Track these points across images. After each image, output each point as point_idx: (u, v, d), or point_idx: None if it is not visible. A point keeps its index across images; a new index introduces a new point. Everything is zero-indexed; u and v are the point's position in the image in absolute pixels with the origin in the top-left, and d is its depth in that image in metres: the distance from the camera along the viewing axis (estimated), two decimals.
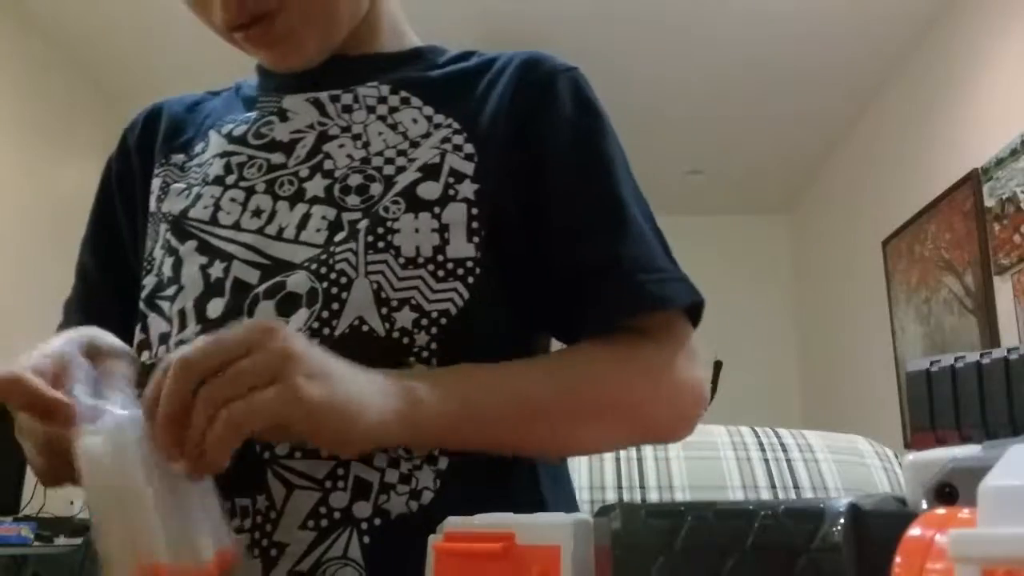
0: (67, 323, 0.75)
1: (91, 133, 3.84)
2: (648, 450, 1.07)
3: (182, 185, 0.72)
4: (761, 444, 1.08)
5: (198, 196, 0.70)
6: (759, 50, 3.52)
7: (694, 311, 0.69)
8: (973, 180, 2.95)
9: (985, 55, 2.94)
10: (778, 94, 3.87)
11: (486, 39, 3.44)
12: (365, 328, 0.61)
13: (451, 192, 0.66)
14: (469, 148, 0.68)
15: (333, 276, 0.63)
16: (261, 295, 0.63)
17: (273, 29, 0.68)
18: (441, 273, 0.64)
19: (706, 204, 5.11)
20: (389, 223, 0.64)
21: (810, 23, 3.32)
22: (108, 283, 0.77)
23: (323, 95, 0.73)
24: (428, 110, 0.71)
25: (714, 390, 3.90)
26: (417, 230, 0.64)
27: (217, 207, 0.69)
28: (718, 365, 3.96)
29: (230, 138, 0.73)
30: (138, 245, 0.75)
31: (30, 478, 2.46)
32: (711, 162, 4.60)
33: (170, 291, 0.67)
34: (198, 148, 0.75)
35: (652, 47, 3.55)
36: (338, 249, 0.64)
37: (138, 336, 0.68)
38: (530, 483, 0.68)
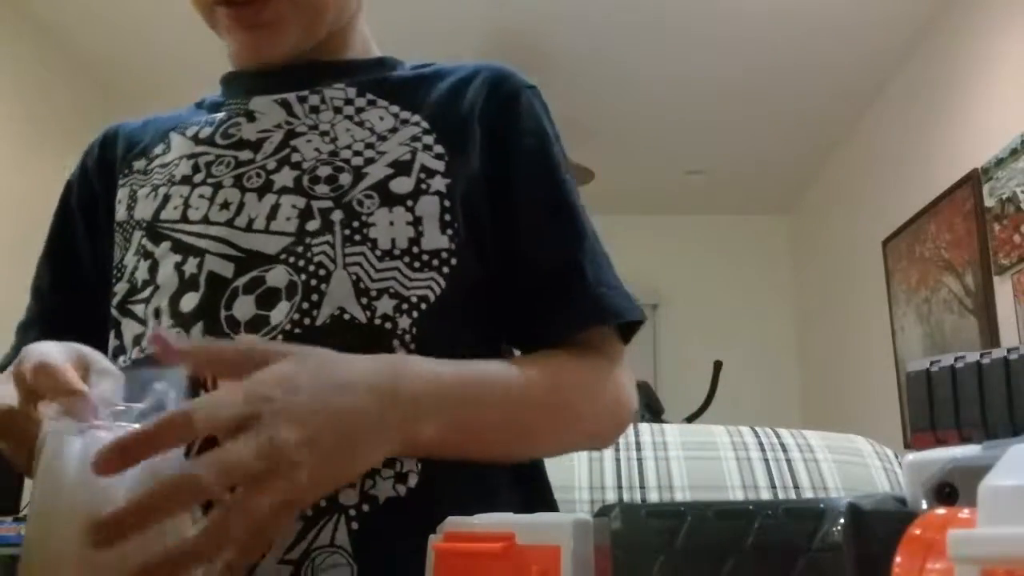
0: (23, 344, 0.74)
1: (92, 134, 3.84)
2: (648, 450, 1.07)
3: (147, 188, 0.73)
4: (761, 444, 1.08)
5: (166, 197, 0.71)
6: (759, 50, 3.52)
7: (632, 327, 0.72)
8: (973, 180, 2.95)
9: (985, 55, 2.94)
10: (778, 94, 3.87)
11: (487, 39, 3.44)
12: (346, 317, 0.63)
13: (423, 186, 0.68)
14: (439, 148, 0.70)
15: (312, 268, 0.64)
16: (240, 289, 0.64)
17: (264, 12, 0.69)
18: (417, 264, 0.66)
19: (706, 204, 5.11)
20: (364, 217, 0.66)
21: (810, 23, 3.32)
22: (66, 303, 0.78)
23: (291, 96, 0.73)
24: (394, 108, 0.73)
25: (714, 390, 3.90)
26: (392, 223, 0.66)
27: (187, 205, 0.69)
28: (718, 365, 3.96)
29: (196, 140, 0.74)
30: (102, 266, 0.75)
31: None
32: (711, 162, 4.60)
33: (145, 293, 0.68)
34: (158, 150, 0.76)
35: (652, 47, 3.55)
36: (314, 241, 0.65)
37: (112, 342, 0.69)
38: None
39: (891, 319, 3.67)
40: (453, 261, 0.67)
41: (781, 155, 4.51)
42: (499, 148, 0.72)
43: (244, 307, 0.63)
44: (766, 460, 1.05)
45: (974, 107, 3.00)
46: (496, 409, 0.61)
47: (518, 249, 0.70)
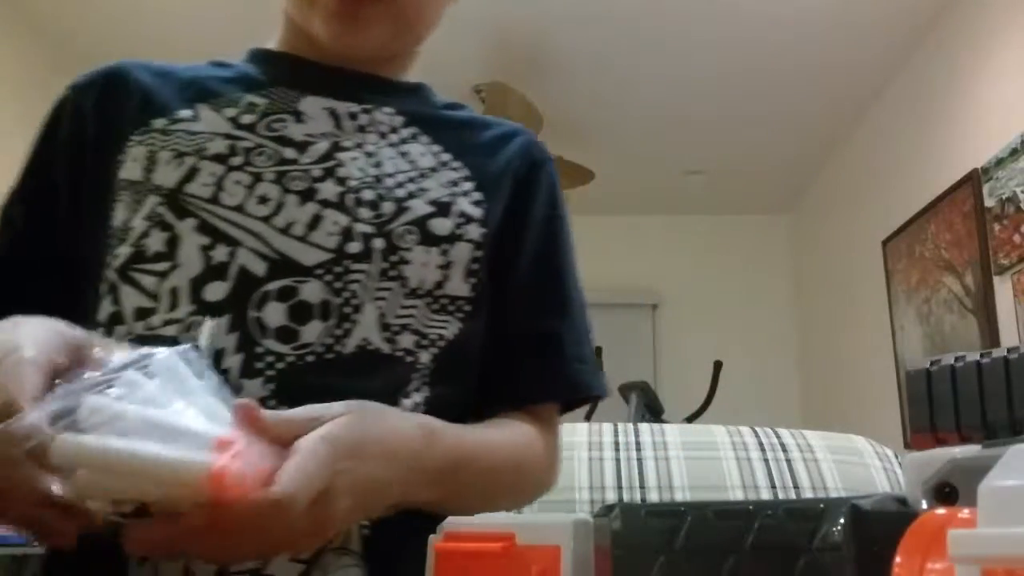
0: None
1: None
2: (648, 450, 1.07)
3: (169, 153, 0.68)
4: (761, 444, 1.08)
5: (194, 169, 0.67)
6: (759, 50, 3.52)
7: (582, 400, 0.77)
8: (973, 180, 2.95)
9: (985, 55, 2.94)
10: (778, 94, 3.86)
11: (487, 38, 3.44)
12: (371, 347, 0.64)
13: (460, 231, 0.70)
14: (477, 196, 0.73)
15: (347, 295, 0.64)
16: (272, 295, 0.63)
17: (368, 7, 0.70)
18: (436, 307, 0.68)
19: (706, 204, 5.11)
20: (402, 252, 0.67)
21: (810, 23, 3.32)
22: (37, 237, 0.72)
23: (341, 108, 0.73)
24: (436, 147, 0.75)
25: (714, 390, 3.90)
26: (425, 264, 0.68)
27: (219, 186, 0.66)
28: (718, 365, 3.96)
29: (236, 123, 0.70)
30: (82, 210, 0.70)
31: None
32: (711, 162, 4.60)
33: (159, 266, 0.64)
34: (183, 114, 0.70)
35: (652, 47, 3.55)
36: (353, 266, 0.65)
37: (108, 308, 0.65)
38: None
39: (891, 319, 3.67)
40: (468, 308, 0.70)
41: (781, 155, 4.51)
42: (518, 212, 0.76)
43: (275, 314, 0.62)
44: (766, 460, 1.05)
45: (974, 107, 3.00)
46: (481, 483, 0.66)
47: (507, 309, 0.74)
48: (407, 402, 0.65)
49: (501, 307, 0.73)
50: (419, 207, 0.69)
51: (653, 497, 1.00)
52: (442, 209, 0.70)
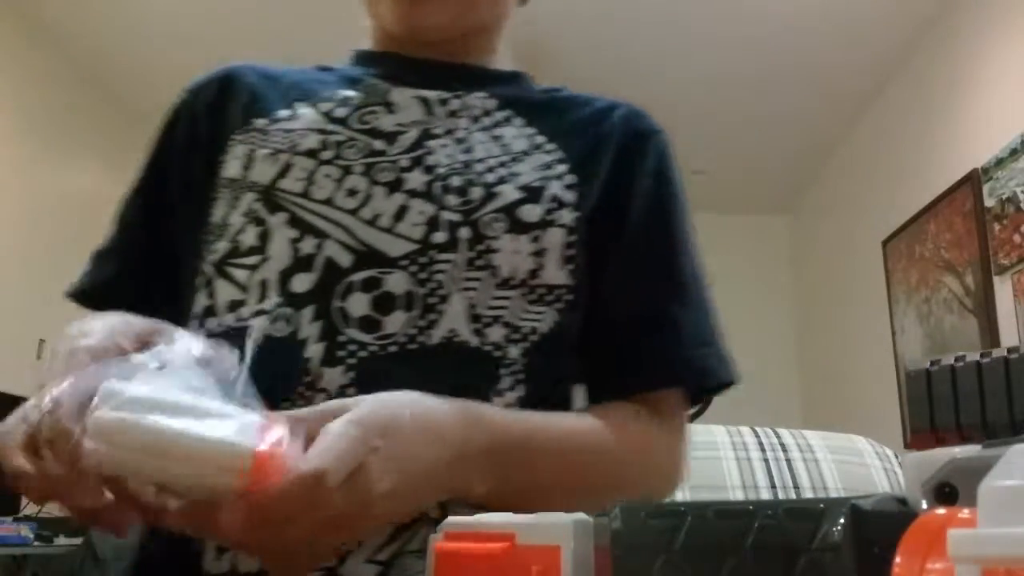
0: (98, 273, 0.75)
1: (92, 136, 3.84)
2: None
3: (267, 150, 0.69)
4: (761, 444, 1.08)
5: (287, 165, 0.68)
6: (760, 50, 3.52)
7: (719, 387, 0.72)
8: (973, 180, 2.95)
9: (985, 55, 2.94)
10: (778, 94, 3.86)
11: None
12: (458, 339, 0.63)
13: (551, 217, 0.67)
14: (571, 179, 0.70)
15: (432, 285, 0.63)
16: (357, 285, 0.63)
17: None
18: (533, 297, 0.66)
19: (706, 204, 5.10)
20: (489, 241, 0.65)
21: (810, 23, 3.32)
22: (148, 240, 0.75)
23: (431, 95, 0.72)
24: (529, 130, 0.72)
25: None
26: (516, 252, 0.65)
27: (310, 181, 0.67)
28: None
29: (330, 118, 0.71)
30: (188, 209, 0.73)
31: None
32: (712, 161, 4.60)
33: (251, 260, 0.65)
34: (282, 114, 0.72)
35: (653, 47, 3.55)
36: (439, 256, 0.64)
37: (204, 301, 0.67)
38: None
39: (891, 319, 3.67)
40: (569, 297, 0.67)
41: (781, 155, 4.51)
42: (621, 186, 0.72)
43: (358, 304, 0.62)
44: (766, 460, 1.05)
45: (974, 107, 3.00)
46: (550, 474, 0.62)
47: (615, 291, 0.70)
48: (499, 400, 0.63)
49: (607, 291, 0.70)
50: (509, 193, 0.67)
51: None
52: (533, 194, 0.67)
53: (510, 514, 0.39)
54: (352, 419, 0.49)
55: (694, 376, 0.70)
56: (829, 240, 4.62)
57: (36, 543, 2.62)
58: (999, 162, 2.79)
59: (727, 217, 5.25)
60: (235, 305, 0.65)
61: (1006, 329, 2.77)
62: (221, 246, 0.68)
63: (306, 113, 0.72)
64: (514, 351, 0.64)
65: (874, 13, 3.23)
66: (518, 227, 0.66)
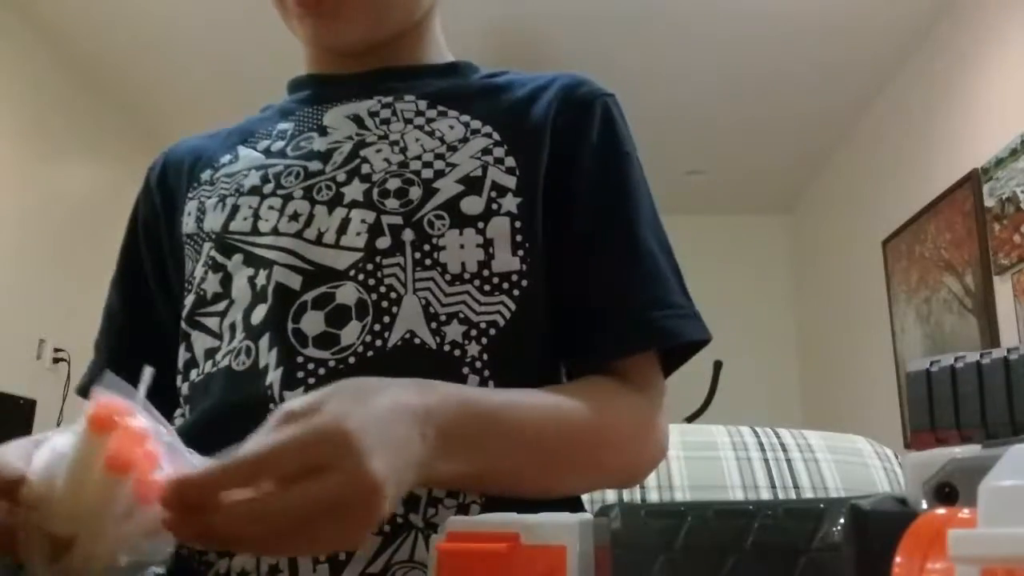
0: (93, 366, 0.77)
1: (91, 136, 3.84)
2: None
3: (214, 199, 0.71)
4: (761, 444, 1.08)
5: (235, 208, 0.69)
6: (760, 50, 3.52)
7: (692, 348, 0.69)
8: (973, 180, 2.95)
9: (985, 55, 2.94)
10: (778, 94, 3.86)
11: (486, 37, 3.43)
12: (416, 341, 0.61)
13: (494, 206, 0.66)
14: (511, 161, 0.68)
15: (383, 290, 0.63)
16: (309, 304, 0.63)
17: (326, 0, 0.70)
18: (487, 287, 0.64)
19: (706, 204, 5.11)
20: (435, 239, 0.64)
21: (810, 23, 3.32)
22: (133, 320, 0.78)
23: (363, 110, 0.72)
24: (464, 117, 0.71)
25: (714, 390, 3.89)
26: (462, 246, 0.64)
27: (256, 217, 0.68)
28: (718, 365, 3.95)
29: (268, 152, 0.72)
30: (164, 282, 0.76)
31: None
32: (711, 162, 4.60)
33: (219, 306, 0.67)
34: (224, 160, 0.74)
35: (653, 47, 3.55)
36: (385, 261, 0.63)
37: (183, 356, 0.68)
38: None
39: (891, 319, 3.67)
40: (524, 283, 0.65)
41: (781, 155, 4.51)
42: (565, 160, 0.70)
43: (313, 322, 0.62)
44: (766, 460, 1.06)
45: (974, 107, 3.00)
46: (523, 451, 0.58)
47: (574, 268, 0.68)
48: None
49: (566, 269, 0.68)
50: (448, 187, 0.66)
51: (653, 497, 1.00)
52: (473, 185, 0.66)
53: (513, 514, 0.39)
54: (286, 407, 0.45)
55: (659, 337, 0.66)
56: (829, 240, 4.62)
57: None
58: (999, 162, 2.79)
59: (727, 217, 5.25)
60: (211, 353, 0.66)
61: (1006, 329, 2.77)
62: (190, 299, 0.69)
63: (247, 154, 0.74)
64: (474, 348, 0.62)
65: (874, 14, 3.23)
66: (461, 221, 0.65)
